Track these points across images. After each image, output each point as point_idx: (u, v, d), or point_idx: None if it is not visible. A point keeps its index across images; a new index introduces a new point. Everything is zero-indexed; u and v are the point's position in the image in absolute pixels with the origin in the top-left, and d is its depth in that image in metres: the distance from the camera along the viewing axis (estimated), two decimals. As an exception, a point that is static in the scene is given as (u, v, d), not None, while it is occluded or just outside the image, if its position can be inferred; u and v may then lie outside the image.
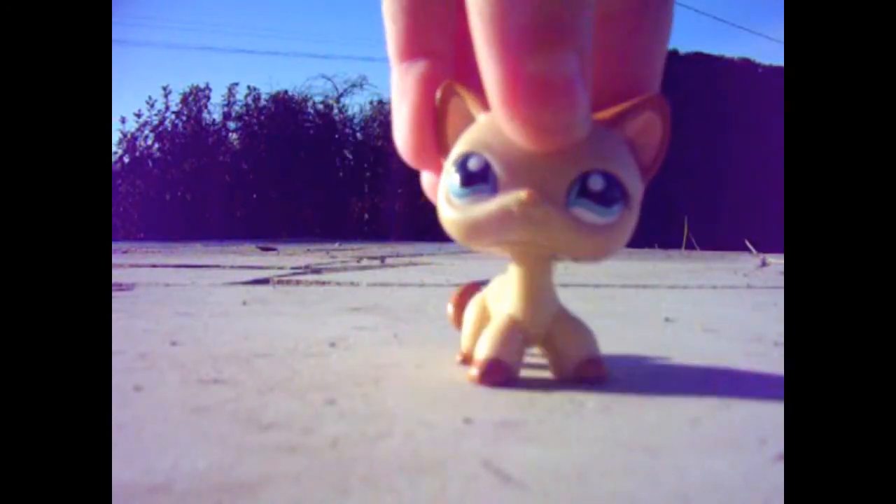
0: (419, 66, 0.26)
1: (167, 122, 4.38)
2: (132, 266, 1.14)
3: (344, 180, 4.74)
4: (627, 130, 0.25)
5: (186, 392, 0.26)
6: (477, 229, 0.24)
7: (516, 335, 0.27)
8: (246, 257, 1.51)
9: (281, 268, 1.13)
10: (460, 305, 0.34)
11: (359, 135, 4.90)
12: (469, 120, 0.25)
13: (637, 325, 0.48)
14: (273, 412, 0.23)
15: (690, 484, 0.17)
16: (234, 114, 4.62)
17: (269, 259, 1.43)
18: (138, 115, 4.32)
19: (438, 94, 0.25)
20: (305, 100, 4.86)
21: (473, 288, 0.34)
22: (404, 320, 0.48)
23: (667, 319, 0.50)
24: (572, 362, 0.27)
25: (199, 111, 4.48)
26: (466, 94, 0.25)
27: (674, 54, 3.78)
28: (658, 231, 2.55)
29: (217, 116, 4.56)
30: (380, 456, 0.19)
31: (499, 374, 0.26)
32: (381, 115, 4.89)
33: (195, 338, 0.39)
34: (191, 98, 4.44)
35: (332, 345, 0.37)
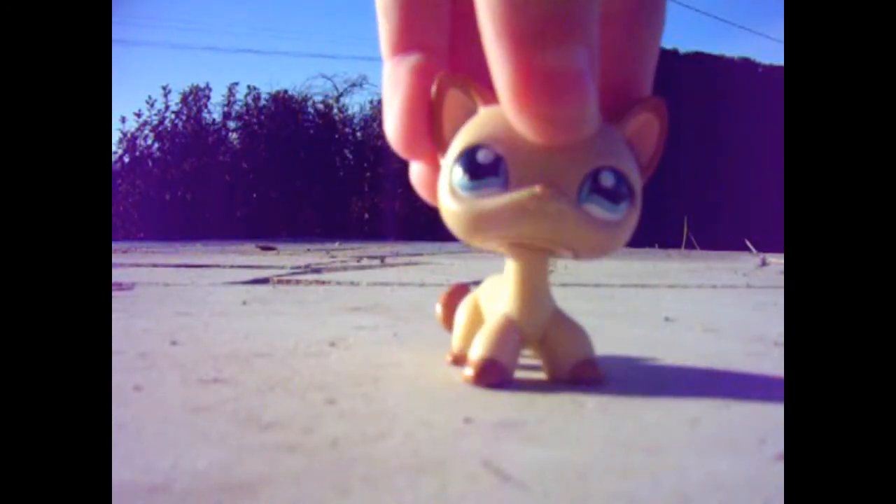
0: (411, 59, 0.26)
1: (167, 122, 4.38)
2: (132, 266, 1.14)
3: (344, 180, 4.74)
4: (627, 130, 0.25)
5: (186, 392, 0.26)
6: (485, 223, 0.24)
7: (513, 335, 0.27)
8: (246, 257, 1.51)
9: (281, 267, 1.13)
10: (449, 306, 0.34)
11: (359, 135, 4.90)
12: (469, 111, 0.25)
13: (637, 324, 0.48)
14: (273, 412, 0.23)
15: (690, 484, 0.17)
16: (234, 113, 4.62)
17: (269, 259, 1.43)
18: (138, 115, 4.32)
19: (434, 85, 0.25)
20: (305, 99, 4.86)
21: (462, 289, 0.34)
22: (404, 320, 0.48)
23: (667, 319, 0.50)
24: (568, 364, 0.27)
25: (199, 111, 4.48)
26: (470, 85, 0.25)
27: (674, 54, 3.78)
28: (658, 231, 2.55)
29: (217, 116, 4.57)
30: (380, 456, 0.19)
31: (495, 374, 0.26)
32: (381, 115, 4.87)
33: (195, 337, 0.39)
34: (191, 98, 4.44)
35: (332, 345, 0.37)
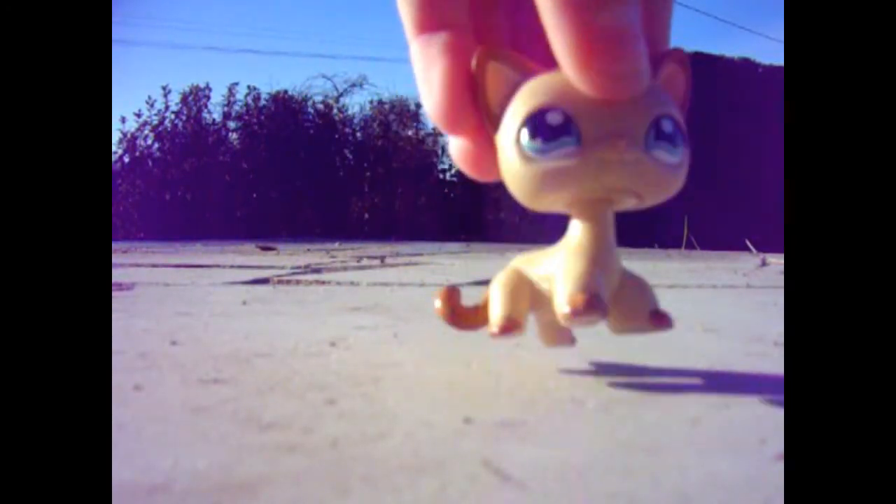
0: (441, 37, 0.26)
1: (167, 122, 4.38)
2: (132, 266, 1.14)
3: (344, 180, 4.74)
4: (659, 81, 0.26)
5: (186, 392, 0.26)
6: (565, 180, 0.24)
7: (601, 276, 0.26)
8: (246, 257, 1.51)
9: (281, 267, 1.13)
10: (452, 300, 0.33)
11: (359, 135, 4.90)
12: (511, 82, 0.26)
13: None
14: (273, 412, 0.23)
15: (690, 484, 0.17)
16: (234, 113, 4.61)
17: (269, 259, 1.43)
18: (138, 115, 4.32)
19: (475, 60, 0.26)
20: (305, 100, 4.86)
21: (455, 290, 0.33)
22: (404, 320, 0.48)
23: (667, 319, 0.50)
24: (645, 311, 0.27)
25: (199, 111, 4.48)
26: (509, 56, 0.26)
27: (674, 54, 3.77)
28: (658, 231, 2.55)
29: (217, 116, 4.56)
30: (380, 456, 0.19)
31: (600, 307, 0.25)
32: (381, 115, 4.89)
33: (195, 338, 0.39)
34: (191, 98, 4.44)
35: (332, 344, 0.37)
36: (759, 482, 0.17)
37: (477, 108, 0.26)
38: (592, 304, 0.25)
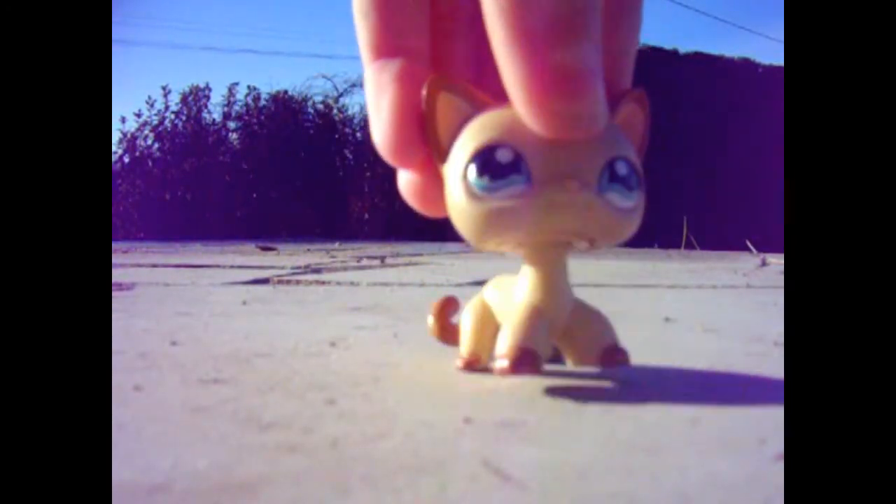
0: (394, 64, 0.25)
1: (167, 122, 4.38)
2: (132, 266, 1.14)
3: (344, 180, 4.74)
4: (617, 121, 0.25)
5: (186, 392, 0.26)
6: (512, 221, 0.24)
7: (543, 324, 0.26)
8: (246, 257, 1.51)
9: (281, 268, 1.13)
10: (442, 317, 0.33)
11: (359, 135, 4.90)
12: (462, 114, 0.25)
13: (637, 324, 0.48)
14: (273, 412, 0.23)
15: (690, 484, 0.17)
16: (234, 114, 4.61)
17: (269, 259, 1.43)
18: (138, 115, 4.32)
19: (424, 91, 0.24)
20: (305, 100, 4.86)
21: (453, 301, 0.34)
22: (404, 320, 0.48)
23: (667, 319, 0.50)
24: (596, 350, 0.27)
25: (199, 111, 4.48)
26: (460, 87, 0.25)
27: (674, 54, 3.78)
28: (658, 231, 2.55)
29: (217, 116, 4.56)
30: (380, 456, 0.19)
31: (531, 363, 0.25)
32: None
33: (195, 338, 0.39)
34: (191, 98, 4.43)
35: (332, 345, 0.37)
36: (759, 482, 0.17)
37: (426, 140, 0.25)
38: (522, 361, 0.25)
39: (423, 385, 0.28)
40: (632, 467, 0.18)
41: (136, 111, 4.33)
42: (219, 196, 4.33)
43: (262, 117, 4.63)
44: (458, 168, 0.24)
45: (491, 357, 0.28)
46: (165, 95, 4.36)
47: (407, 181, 0.27)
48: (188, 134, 4.40)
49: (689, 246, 2.41)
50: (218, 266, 1.16)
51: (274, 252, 1.82)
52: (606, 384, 0.28)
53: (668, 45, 3.73)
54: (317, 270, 1.08)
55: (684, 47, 3.96)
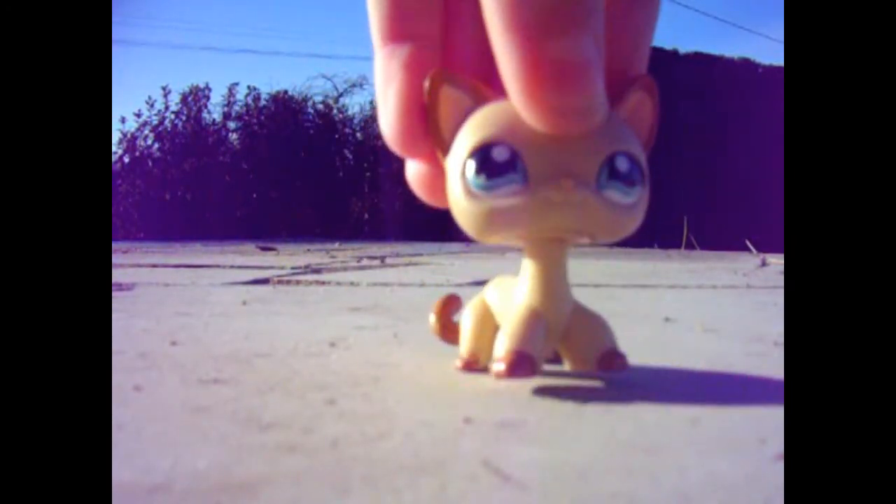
0: (404, 51, 0.25)
1: (167, 122, 4.38)
2: (132, 266, 1.14)
3: (344, 180, 4.74)
4: (622, 111, 0.25)
5: (186, 392, 0.26)
6: (508, 219, 0.24)
7: (540, 327, 0.26)
8: (246, 257, 1.51)
9: (281, 268, 1.12)
10: (444, 315, 0.33)
11: (359, 135, 4.90)
12: (464, 108, 0.24)
13: (637, 324, 0.48)
14: (273, 412, 0.23)
15: (690, 484, 0.17)
16: (234, 114, 4.61)
17: (269, 259, 1.43)
18: (138, 115, 4.32)
19: (427, 84, 0.24)
20: (305, 100, 4.86)
21: (455, 299, 0.34)
22: (404, 320, 0.48)
23: (667, 319, 0.50)
24: (595, 354, 0.26)
25: (199, 111, 4.47)
26: (462, 81, 0.24)
27: (674, 54, 3.78)
28: (658, 231, 2.55)
29: (217, 116, 4.56)
30: (380, 456, 0.19)
31: (527, 366, 0.25)
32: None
33: (195, 338, 0.39)
34: (191, 98, 4.43)
35: (332, 345, 0.37)
36: (759, 482, 0.17)
37: (430, 133, 0.25)
38: (518, 365, 0.25)
39: (423, 385, 0.28)
40: (632, 467, 0.18)
41: (136, 111, 4.33)
42: (219, 196, 4.33)
43: (262, 117, 4.63)
44: (457, 165, 0.24)
45: (490, 359, 0.28)
46: (165, 95, 4.37)
47: (414, 171, 0.27)
48: (188, 134, 4.40)
49: (689, 246, 2.41)
50: (218, 266, 1.16)
51: (274, 252, 1.82)
52: (606, 384, 0.28)
53: (668, 45, 3.73)
54: (317, 270, 1.08)
55: (684, 47, 3.96)
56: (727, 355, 0.36)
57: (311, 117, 4.84)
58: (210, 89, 4.50)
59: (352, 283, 0.83)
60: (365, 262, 1.36)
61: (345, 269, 1.14)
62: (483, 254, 1.79)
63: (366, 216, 4.66)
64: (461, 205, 0.24)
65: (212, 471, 0.18)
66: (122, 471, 0.17)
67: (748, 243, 2.10)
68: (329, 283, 0.84)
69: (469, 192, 0.24)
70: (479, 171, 0.23)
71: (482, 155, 0.23)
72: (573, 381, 0.28)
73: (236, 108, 4.61)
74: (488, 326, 0.29)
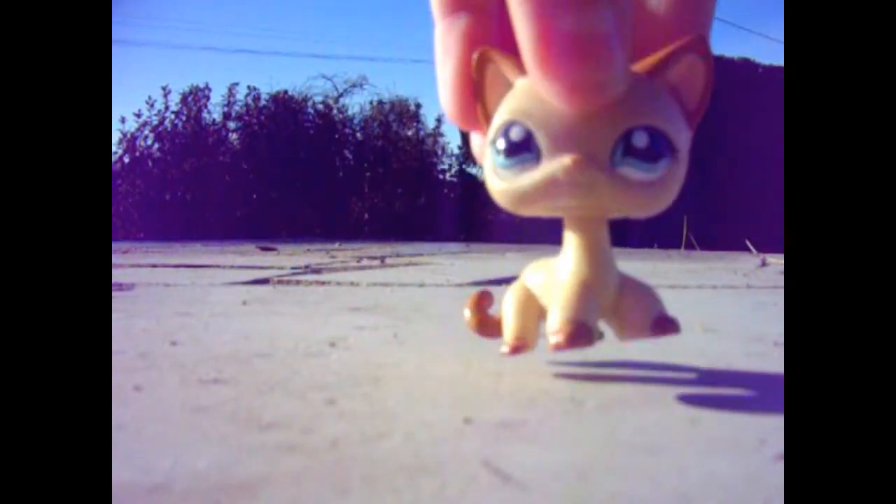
0: (461, 24, 0.25)
1: (167, 122, 4.38)
2: (132, 266, 1.14)
3: (344, 180, 4.74)
4: (670, 77, 0.24)
5: (186, 392, 0.26)
6: (526, 199, 0.24)
7: (593, 297, 0.26)
8: (246, 257, 1.51)
9: (281, 268, 1.12)
10: (480, 310, 0.33)
11: (359, 135, 4.90)
12: (507, 86, 0.25)
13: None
14: (273, 412, 0.23)
15: (690, 484, 0.17)
16: (234, 114, 4.61)
17: (269, 259, 1.43)
18: (138, 115, 4.32)
19: (473, 64, 0.25)
20: (305, 100, 4.86)
21: (487, 295, 0.33)
22: (404, 320, 0.48)
23: (667, 319, 0.50)
24: (648, 320, 0.26)
25: (199, 111, 4.47)
26: (502, 59, 0.25)
27: (674, 54, 3.77)
28: (658, 231, 2.55)
29: (217, 116, 4.56)
30: (380, 456, 0.19)
31: (585, 335, 0.24)
32: (381, 115, 4.89)
33: (195, 338, 0.39)
34: (190, 98, 4.43)
35: (332, 345, 0.37)
36: (759, 482, 0.17)
37: (481, 109, 0.25)
38: (577, 335, 0.24)
39: (423, 385, 0.28)
40: (632, 467, 0.18)
41: (136, 111, 4.33)
42: (219, 196, 4.33)
43: (262, 117, 4.63)
44: (489, 144, 0.25)
45: (535, 341, 0.28)
46: (165, 95, 4.36)
47: (475, 143, 0.28)
48: (188, 134, 4.40)
49: (689, 246, 2.41)
50: (218, 266, 1.16)
51: (274, 252, 1.82)
52: (606, 384, 0.28)
53: (667, 46, 3.73)
54: (317, 270, 1.08)
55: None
56: (727, 355, 0.36)
57: (311, 117, 4.84)
58: (210, 89, 4.50)
59: (352, 283, 0.83)
60: (365, 262, 1.36)
61: (345, 269, 1.14)
62: (483, 254, 1.79)
63: (366, 216, 4.66)
64: (490, 182, 0.25)
65: (212, 471, 0.18)
66: (122, 471, 0.17)
67: (748, 243, 2.11)
68: (329, 283, 0.84)
69: (494, 171, 0.24)
70: (499, 150, 0.24)
71: (503, 134, 0.24)
72: (573, 382, 0.28)
73: (236, 108, 4.61)
74: (532, 309, 0.29)
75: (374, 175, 4.69)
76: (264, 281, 0.86)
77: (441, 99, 0.26)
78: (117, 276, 0.89)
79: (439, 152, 4.74)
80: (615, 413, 0.24)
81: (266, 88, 4.84)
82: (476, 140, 0.27)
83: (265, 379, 0.28)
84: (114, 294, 0.65)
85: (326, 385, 0.27)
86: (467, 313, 0.33)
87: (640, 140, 0.23)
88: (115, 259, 1.33)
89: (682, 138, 0.24)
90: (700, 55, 0.24)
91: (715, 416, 0.23)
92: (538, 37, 0.21)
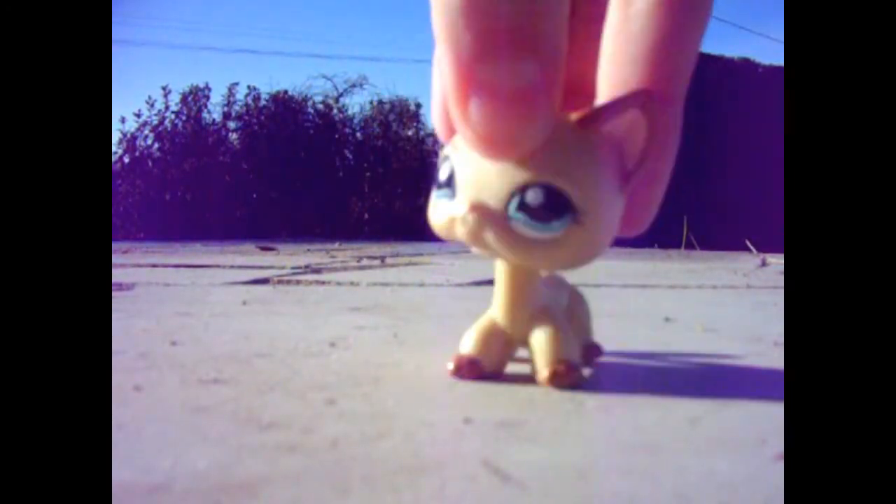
0: None
1: (167, 122, 4.37)
2: (132, 266, 1.14)
3: (344, 180, 4.74)
4: (609, 130, 0.23)
5: (186, 392, 0.26)
6: (440, 231, 0.25)
7: (494, 335, 0.28)
8: (246, 257, 1.51)
9: (281, 268, 1.12)
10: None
11: (359, 135, 4.90)
12: None
13: (637, 324, 0.48)
14: (273, 412, 0.23)
15: (690, 484, 0.17)
16: (234, 114, 4.61)
17: (269, 259, 1.43)
18: (138, 115, 4.31)
19: None
20: (305, 100, 4.86)
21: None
22: (404, 320, 0.48)
23: (667, 319, 0.50)
24: (543, 367, 0.26)
25: (199, 111, 4.47)
26: None
27: (674, 54, 3.77)
28: (658, 231, 2.55)
29: (217, 116, 4.56)
30: (380, 456, 0.19)
31: (472, 370, 0.27)
32: (380, 115, 4.90)
33: (195, 338, 0.39)
34: (191, 98, 4.43)
35: (332, 345, 0.37)
36: (759, 482, 0.17)
37: None
38: (461, 368, 0.28)
39: (423, 385, 0.28)
40: (632, 467, 0.18)
41: (136, 111, 4.32)
42: (219, 196, 4.33)
43: (262, 117, 4.63)
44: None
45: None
46: (165, 95, 4.36)
47: None
48: (188, 134, 4.40)
49: (689, 246, 2.41)
50: (218, 266, 1.16)
51: (274, 252, 1.82)
52: (606, 385, 0.28)
53: (667, 46, 3.72)
54: (317, 270, 1.08)
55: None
56: (727, 355, 0.36)
57: (311, 117, 4.84)
58: (210, 89, 4.50)
59: (352, 283, 0.83)
60: (365, 262, 1.36)
61: (345, 269, 1.14)
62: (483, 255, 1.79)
63: (366, 216, 4.66)
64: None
65: (212, 471, 0.18)
66: (122, 471, 0.17)
67: (748, 243, 2.10)
68: (329, 282, 0.84)
69: (433, 200, 0.26)
70: (435, 180, 0.25)
71: (438, 167, 0.25)
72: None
73: (236, 108, 4.61)
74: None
75: (374, 175, 4.69)
76: (264, 281, 0.86)
77: (432, 115, 0.27)
78: (117, 276, 0.89)
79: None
80: (615, 413, 0.24)
81: (266, 88, 4.85)
82: None
83: (265, 379, 0.28)
84: (114, 294, 0.65)
85: (326, 385, 0.27)
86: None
87: (534, 197, 0.22)
88: (116, 259, 1.33)
89: (595, 200, 0.22)
90: (644, 111, 0.22)
91: (715, 416, 0.23)
92: (457, 85, 0.21)
